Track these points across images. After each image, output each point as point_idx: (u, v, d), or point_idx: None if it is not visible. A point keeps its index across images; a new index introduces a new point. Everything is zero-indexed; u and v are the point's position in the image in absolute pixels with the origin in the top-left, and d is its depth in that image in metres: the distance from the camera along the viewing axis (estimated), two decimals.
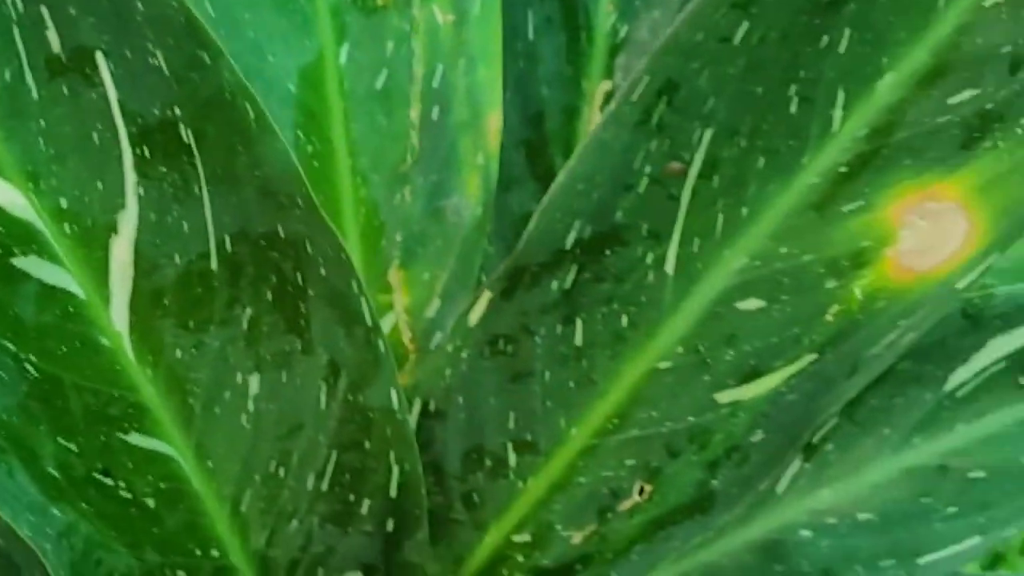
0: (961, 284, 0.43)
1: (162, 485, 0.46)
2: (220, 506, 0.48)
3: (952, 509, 0.51)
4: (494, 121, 0.51)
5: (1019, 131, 0.41)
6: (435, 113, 0.52)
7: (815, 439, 0.53)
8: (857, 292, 0.44)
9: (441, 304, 0.54)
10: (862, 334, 0.44)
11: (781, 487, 0.54)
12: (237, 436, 0.47)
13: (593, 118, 0.61)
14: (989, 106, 0.41)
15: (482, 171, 0.52)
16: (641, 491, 0.49)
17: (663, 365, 0.47)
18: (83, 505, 0.43)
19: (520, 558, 0.53)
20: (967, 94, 0.41)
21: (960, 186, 0.42)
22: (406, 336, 0.53)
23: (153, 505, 0.46)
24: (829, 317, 0.44)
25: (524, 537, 0.53)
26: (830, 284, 0.44)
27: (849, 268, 0.44)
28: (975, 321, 0.50)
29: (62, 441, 0.42)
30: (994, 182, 0.41)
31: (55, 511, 0.43)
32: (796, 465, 0.53)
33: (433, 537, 0.54)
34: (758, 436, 0.46)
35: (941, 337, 0.51)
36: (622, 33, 0.62)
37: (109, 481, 0.44)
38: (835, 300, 0.44)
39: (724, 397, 0.47)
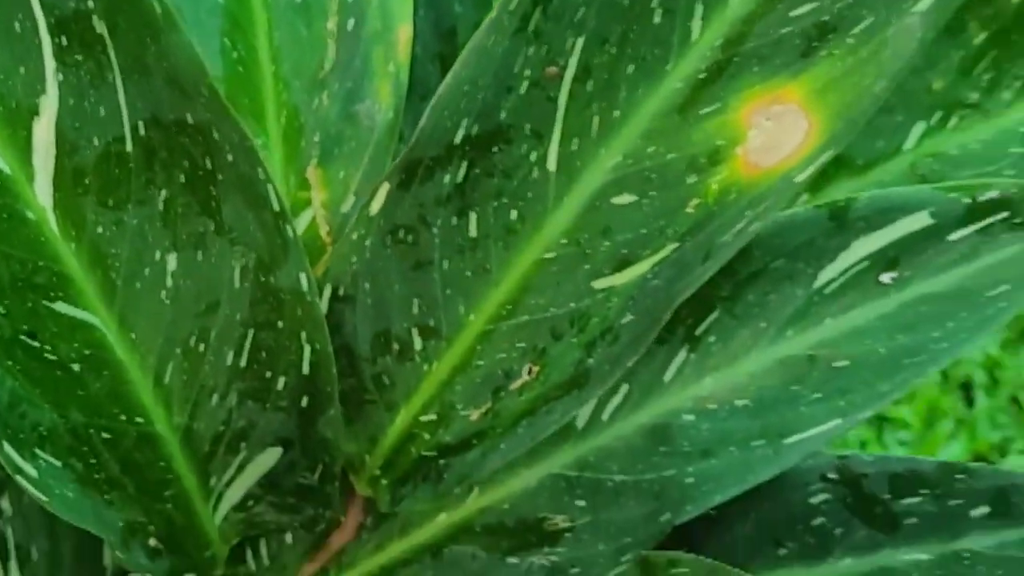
0: (799, 178, 0.47)
1: (87, 352, 0.50)
2: (144, 376, 0.52)
3: (817, 395, 0.56)
4: (404, 33, 0.56)
5: (850, 41, 0.46)
6: (350, 24, 0.56)
7: (698, 331, 0.57)
8: (713, 186, 0.48)
9: (355, 200, 0.58)
10: (715, 224, 0.49)
11: (668, 376, 0.58)
12: (157, 310, 0.51)
13: None
14: (825, 18, 0.46)
15: (393, 79, 0.56)
16: (530, 371, 0.54)
17: (549, 255, 0.52)
18: (9, 363, 0.48)
19: (427, 436, 0.58)
20: (807, 7, 0.46)
21: (801, 90, 0.46)
22: (323, 230, 0.58)
23: (78, 369, 0.50)
24: (689, 209, 0.49)
25: (430, 416, 0.57)
26: (691, 180, 0.49)
27: (706, 165, 0.48)
28: (840, 223, 0.55)
29: None
30: (829, 86, 0.46)
31: None
32: (682, 356, 0.58)
33: (349, 418, 0.59)
34: (627, 318, 0.51)
35: (810, 238, 0.55)
36: None
37: (35, 344, 0.49)
38: (694, 194, 0.49)
39: (600, 284, 0.51)
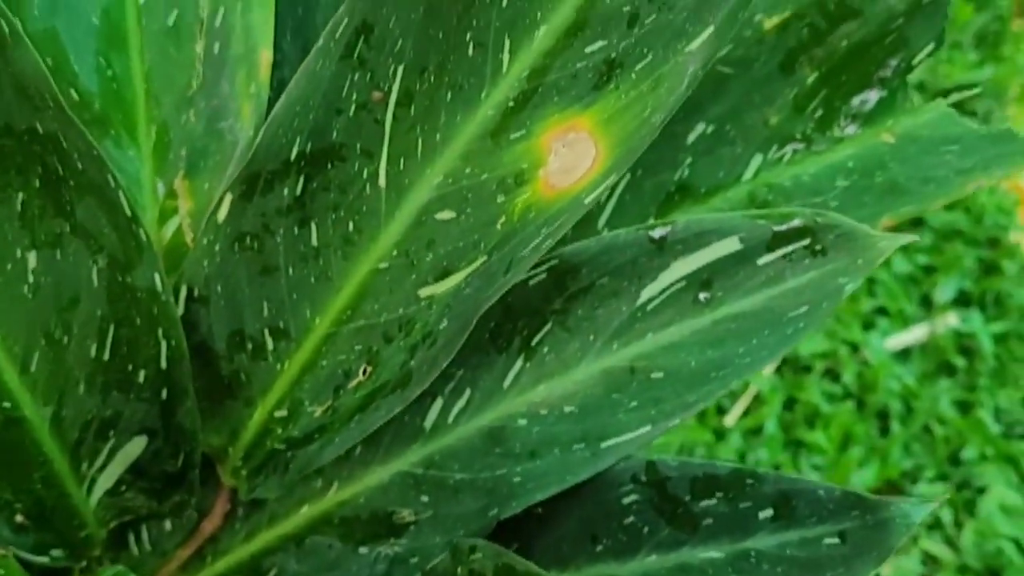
0: (589, 199, 0.52)
1: None
2: (11, 363, 0.57)
3: (634, 403, 0.60)
4: (265, 57, 0.61)
5: (633, 76, 0.50)
6: (216, 47, 0.61)
7: (534, 342, 0.62)
8: (518, 205, 0.53)
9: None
10: (518, 240, 0.53)
11: (507, 383, 0.63)
12: (20, 303, 0.56)
13: None
14: (613, 55, 0.51)
15: (255, 99, 0.61)
16: (364, 371, 0.59)
17: (382, 265, 0.57)
18: None
19: (279, 431, 0.62)
20: (598, 44, 0.51)
21: (591, 120, 0.51)
22: (188, 236, 0.63)
23: None
24: (498, 226, 0.54)
25: (282, 412, 0.62)
26: (500, 199, 0.54)
27: (513, 186, 0.53)
28: (660, 245, 0.59)
29: None
30: (614, 117, 0.51)
31: None
32: (519, 364, 0.62)
33: (213, 412, 0.64)
34: (444, 324, 0.56)
35: (634, 257, 0.60)
36: None
37: None
38: (503, 212, 0.54)
39: (425, 292, 0.56)
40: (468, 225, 0.54)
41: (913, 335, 1.29)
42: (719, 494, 0.57)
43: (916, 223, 1.31)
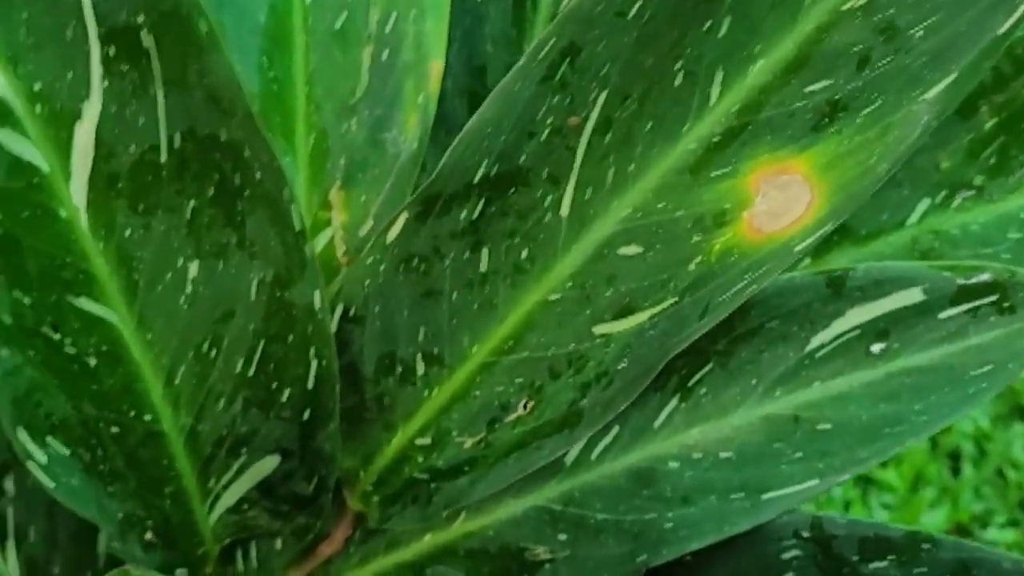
0: (799, 247, 0.49)
1: (104, 348, 0.52)
2: (156, 375, 0.55)
3: (798, 455, 0.57)
4: (436, 67, 0.58)
5: (859, 120, 0.48)
6: (385, 54, 0.58)
7: (691, 383, 0.59)
8: (716, 246, 0.50)
9: (374, 224, 0.61)
10: (715, 283, 0.51)
11: (658, 422, 0.60)
12: (175, 314, 0.53)
13: None
14: (838, 96, 0.48)
15: (421, 110, 0.59)
16: (525, 406, 0.56)
17: (554, 297, 0.54)
18: (30, 352, 0.50)
19: (420, 459, 0.60)
20: (821, 84, 0.48)
21: (808, 163, 0.48)
22: (340, 250, 0.60)
23: (94, 364, 0.53)
24: (691, 266, 0.51)
25: (425, 440, 0.59)
26: (696, 238, 0.51)
27: (712, 226, 0.50)
28: (837, 291, 0.57)
29: (17, 294, 0.49)
30: (834, 162, 0.48)
31: (4, 352, 0.50)
32: (673, 404, 0.60)
33: (348, 434, 0.61)
34: (622, 364, 0.53)
35: (808, 302, 0.57)
36: (563, 4, 0.68)
37: (56, 336, 0.51)
38: (698, 252, 0.51)
39: (600, 329, 0.53)
40: (656, 263, 0.52)
41: None
42: (891, 557, 0.55)
43: None
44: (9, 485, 0.63)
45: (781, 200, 0.49)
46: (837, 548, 0.56)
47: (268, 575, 0.66)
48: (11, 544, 0.63)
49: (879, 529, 0.55)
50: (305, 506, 0.62)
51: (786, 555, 0.57)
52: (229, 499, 0.62)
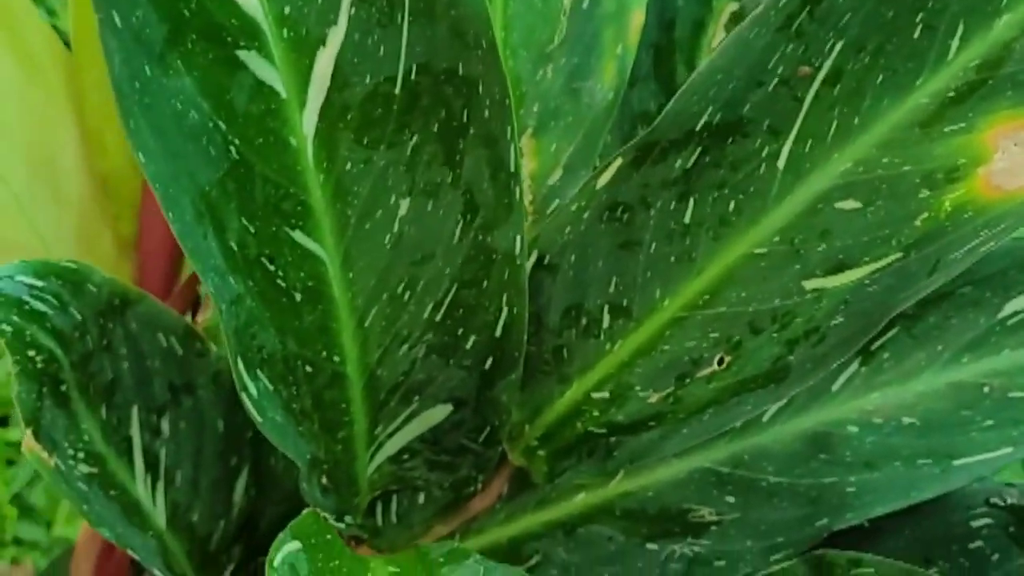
0: None
1: (309, 283, 0.51)
2: (350, 316, 0.54)
3: (989, 422, 0.57)
4: (637, 18, 0.57)
5: None
6: (586, 3, 0.57)
7: (874, 347, 0.59)
8: (947, 203, 0.50)
9: (563, 174, 0.60)
10: (946, 240, 0.50)
11: (836, 386, 0.59)
12: (378, 253, 0.52)
13: (717, 33, 0.67)
14: None
15: (619, 61, 0.58)
16: (720, 361, 0.55)
17: (759, 251, 0.53)
18: (250, 282, 0.49)
19: (596, 413, 0.59)
20: None
21: None
22: (527, 199, 0.59)
23: (299, 299, 0.52)
24: (918, 223, 0.50)
25: (603, 395, 0.58)
26: (923, 194, 0.50)
27: (943, 181, 0.50)
28: None
29: (244, 221, 0.48)
30: None
31: (231, 280, 0.49)
32: (853, 368, 0.59)
33: (519, 387, 0.60)
34: (837, 320, 0.52)
35: (1003, 268, 0.56)
36: None
37: (272, 267, 0.50)
38: (926, 208, 0.50)
39: (810, 284, 0.53)
40: (877, 218, 0.51)
41: None
42: None
43: None
44: (165, 426, 0.62)
45: (1022, 157, 0.48)
46: None
47: (407, 529, 0.66)
48: (160, 486, 0.62)
49: None
50: (469, 459, 0.61)
51: (975, 523, 0.56)
52: (392, 447, 0.61)
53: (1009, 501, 0.56)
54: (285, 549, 0.49)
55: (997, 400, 0.57)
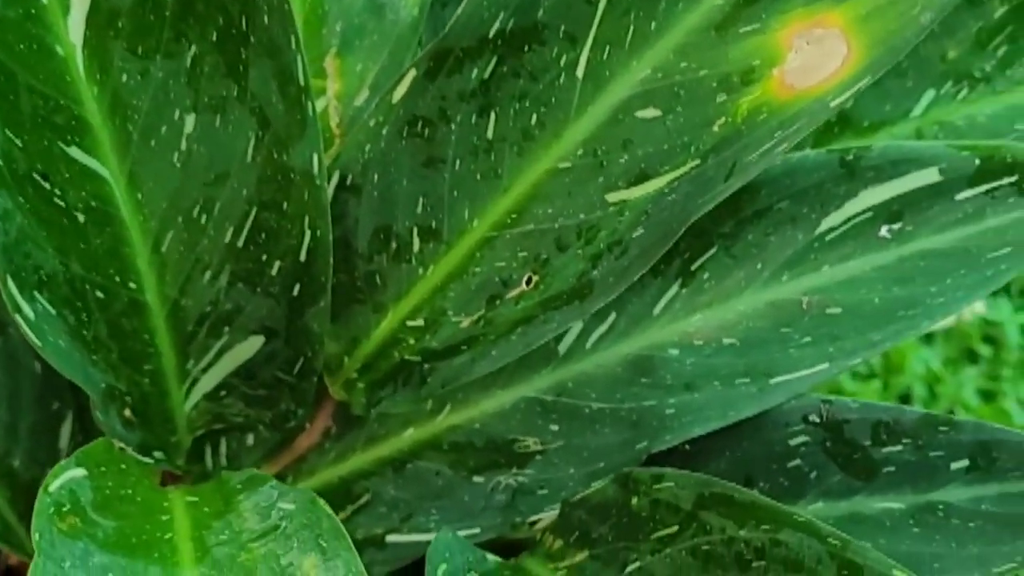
0: (835, 103, 0.47)
1: (93, 203, 0.50)
2: (143, 240, 0.52)
3: (807, 339, 0.56)
4: None
5: None
6: None
7: (694, 267, 0.57)
8: (743, 106, 0.49)
9: (369, 95, 0.58)
10: (743, 143, 0.49)
11: (657, 310, 0.58)
12: (167, 173, 0.51)
13: None
14: None
15: None
16: (528, 280, 0.54)
17: (563, 165, 0.52)
18: (20, 199, 0.48)
19: (411, 341, 0.57)
20: None
21: (844, 16, 0.47)
22: (334, 120, 0.58)
23: (83, 220, 0.50)
24: (715, 128, 0.49)
25: (417, 322, 0.57)
26: (720, 98, 0.49)
27: (739, 84, 0.49)
28: (851, 171, 0.55)
29: (9, 134, 0.46)
30: (873, 13, 0.46)
31: None
32: (674, 290, 0.58)
33: (334, 318, 0.58)
34: (638, 232, 0.51)
35: (819, 182, 0.55)
36: None
37: (47, 185, 0.48)
38: (723, 113, 0.49)
39: (614, 197, 0.51)
40: (676, 125, 0.50)
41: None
42: (906, 440, 0.53)
43: None
44: None
45: (815, 55, 0.47)
46: (849, 432, 0.54)
47: (238, 471, 0.64)
48: None
49: (894, 412, 0.54)
50: (286, 392, 0.60)
51: (794, 441, 0.55)
52: (207, 383, 0.59)
53: (826, 417, 0.55)
54: (66, 475, 0.47)
55: (815, 317, 0.56)
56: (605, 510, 0.54)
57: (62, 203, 0.48)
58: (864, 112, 0.63)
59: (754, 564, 0.45)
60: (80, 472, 0.48)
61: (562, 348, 0.60)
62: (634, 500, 0.52)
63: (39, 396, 0.64)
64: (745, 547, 0.46)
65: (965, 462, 0.52)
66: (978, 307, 1.27)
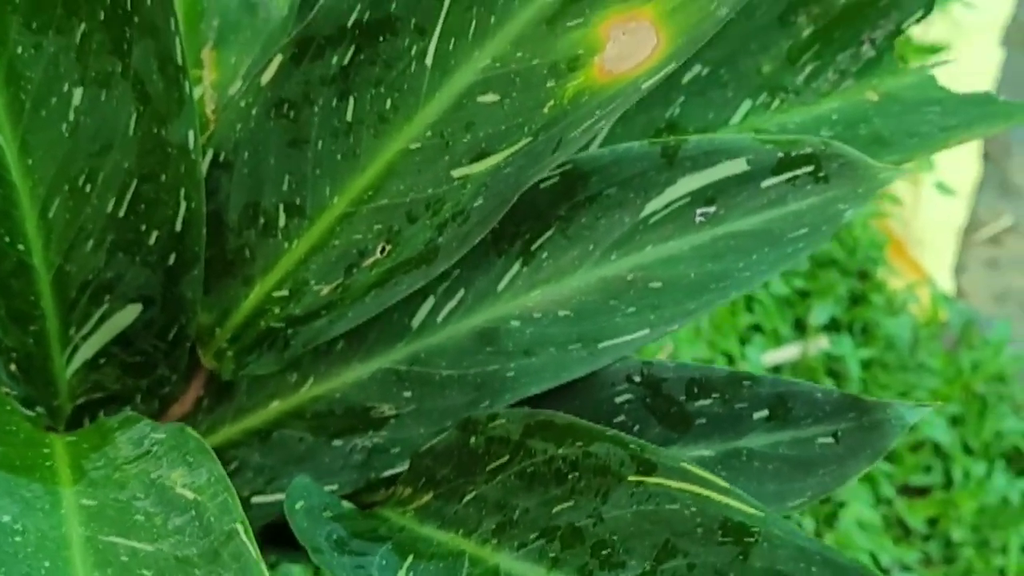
0: (646, 85, 0.54)
1: None
2: (32, 205, 0.57)
3: (632, 309, 0.62)
4: None
5: None
6: None
7: (534, 247, 0.64)
8: (569, 90, 0.55)
9: (242, 84, 0.64)
10: (568, 121, 0.56)
11: (501, 286, 0.65)
12: (57, 142, 0.56)
13: None
14: None
15: None
16: (382, 250, 0.60)
17: (414, 146, 0.58)
18: None
19: (276, 310, 0.63)
20: None
21: (654, 10, 0.54)
22: (209, 108, 0.64)
23: None
24: (546, 110, 0.56)
25: (282, 292, 0.63)
26: (550, 84, 0.56)
27: (565, 71, 0.55)
28: (670, 160, 0.62)
29: None
30: (678, 8, 0.53)
31: None
32: (516, 268, 0.64)
33: (206, 291, 0.64)
34: (479, 202, 0.57)
35: (643, 170, 0.62)
36: None
37: None
38: (552, 96, 0.56)
39: (458, 172, 0.58)
40: (513, 109, 0.56)
41: (786, 353, 1.34)
42: (715, 395, 0.60)
43: None
44: None
45: (629, 44, 0.54)
46: (666, 390, 0.61)
47: None
48: None
49: (705, 371, 0.60)
50: (161, 359, 0.65)
51: (619, 399, 0.62)
52: (88, 351, 0.65)
53: (646, 375, 0.61)
54: None
55: (640, 290, 0.63)
56: (448, 454, 0.60)
57: None
58: (689, 119, 0.71)
59: (569, 476, 0.52)
60: None
61: (415, 323, 0.66)
62: (472, 440, 0.58)
63: None
64: (563, 463, 0.52)
65: (765, 412, 0.59)
66: (823, 343, 1.35)
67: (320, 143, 0.59)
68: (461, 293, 0.65)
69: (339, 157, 0.59)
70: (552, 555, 0.50)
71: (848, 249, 1.39)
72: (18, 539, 0.45)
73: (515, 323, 0.64)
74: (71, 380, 0.65)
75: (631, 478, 0.49)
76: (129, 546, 0.46)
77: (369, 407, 0.66)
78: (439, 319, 0.66)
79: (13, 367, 0.61)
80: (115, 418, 0.58)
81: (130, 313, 0.63)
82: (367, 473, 0.65)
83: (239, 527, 0.44)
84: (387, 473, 0.65)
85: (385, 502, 0.65)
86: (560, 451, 0.52)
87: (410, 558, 0.55)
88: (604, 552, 0.48)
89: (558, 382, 0.62)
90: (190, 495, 0.48)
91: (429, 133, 0.58)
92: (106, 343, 0.64)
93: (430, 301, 0.65)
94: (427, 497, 0.60)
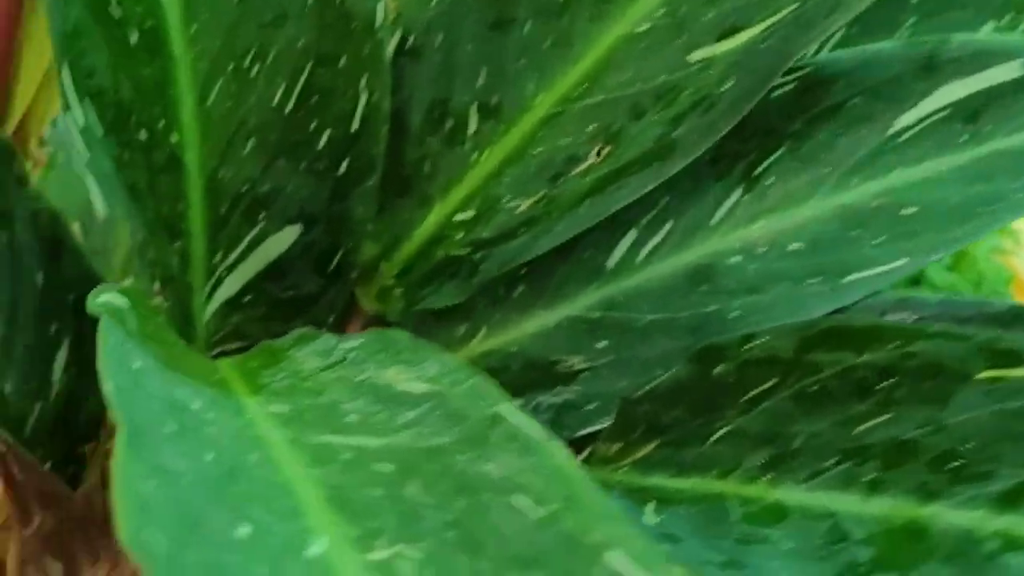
0: None
1: (147, 24, 0.46)
2: (192, 84, 0.48)
3: (881, 238, 0.53)
4: None
5: None
6: None
7: (757, 171, 0.55)
8: None
9: None
10: None
11: (716, 219, 0.55)
12: (223, 9, 0.47)
13: None
14: None
15: None
16: (599, 153, 0.51)
17: (640, 29, 0.49)
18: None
19: (459, 235, 0.54)
20: None
21: None
22: None
23: (135, 41, 0.46)
24: None
25: (468, 214, 0.53)
26: None
27: None
28: (929, 65, 0.53)
29: None
30: None
31: None
32: (735, 197, 0.55)
33: (375, 215, 0.55)
34: (728, 84, 0.48)
35: (896, 75, 0.53)
36: None
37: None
38: None
39: (697, 55, 0.49)
40: None
41: None
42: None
43: (915, 281, 1.27)
44: None
45: None
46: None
47: None
48: None
49: (980, 305, 0.51)
50: (318, 296, 0.56)
51: None
52: (232, 285, 0.55)
53: (904, 311, 0.52)
54: (107, 296, 0.43)
55: (889, 216, 0.53)
56: (677, 394, 0.50)
57: (118, 12, 0.45)
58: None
59: (877, 387, 0.42)
60: (123, 300, 0.43)
61: (611, 263, 0.56)
62: (717, 369, 0.48)
63: (39, 312, 0.59)
64: (868, 372, 0.42)
65: None
66: None
67: (528, 24, 0.50)
68: (669, 226, 0.55)
69: (548, 44, 0.50)
70: (869, 478, 0.39)
71: (973, 283, 1.30)
72: (212, 429, 0.35)
73: (735, 259, 0.54)
74: (208, 322, 0.55)
75: (982, 375, 0.39)
76: (348, 443, 0.36)
77: (555, 360, 0.57)
78: (639, 259, 0.56)
79: (156, 285, 0.51)
80: (283, 339, 0.48)
81: (287, 237, 0.54)
82: (558, 432, 0.55)
83: (502, 409, 0.34)
84: (582, 432, 0.55)
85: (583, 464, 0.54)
86: (864, 358, 0.42)
87: (652, 503, 0.45)
88: (952, 464, 0.38)
89: (795, 320, 0.52)
90: (420, 388, 0.38)
91: (661, 12, 0.49)
92: (254, 275, 0.55)
93: (630, 236, 0.55)
94: (649, 447, 0.50)
